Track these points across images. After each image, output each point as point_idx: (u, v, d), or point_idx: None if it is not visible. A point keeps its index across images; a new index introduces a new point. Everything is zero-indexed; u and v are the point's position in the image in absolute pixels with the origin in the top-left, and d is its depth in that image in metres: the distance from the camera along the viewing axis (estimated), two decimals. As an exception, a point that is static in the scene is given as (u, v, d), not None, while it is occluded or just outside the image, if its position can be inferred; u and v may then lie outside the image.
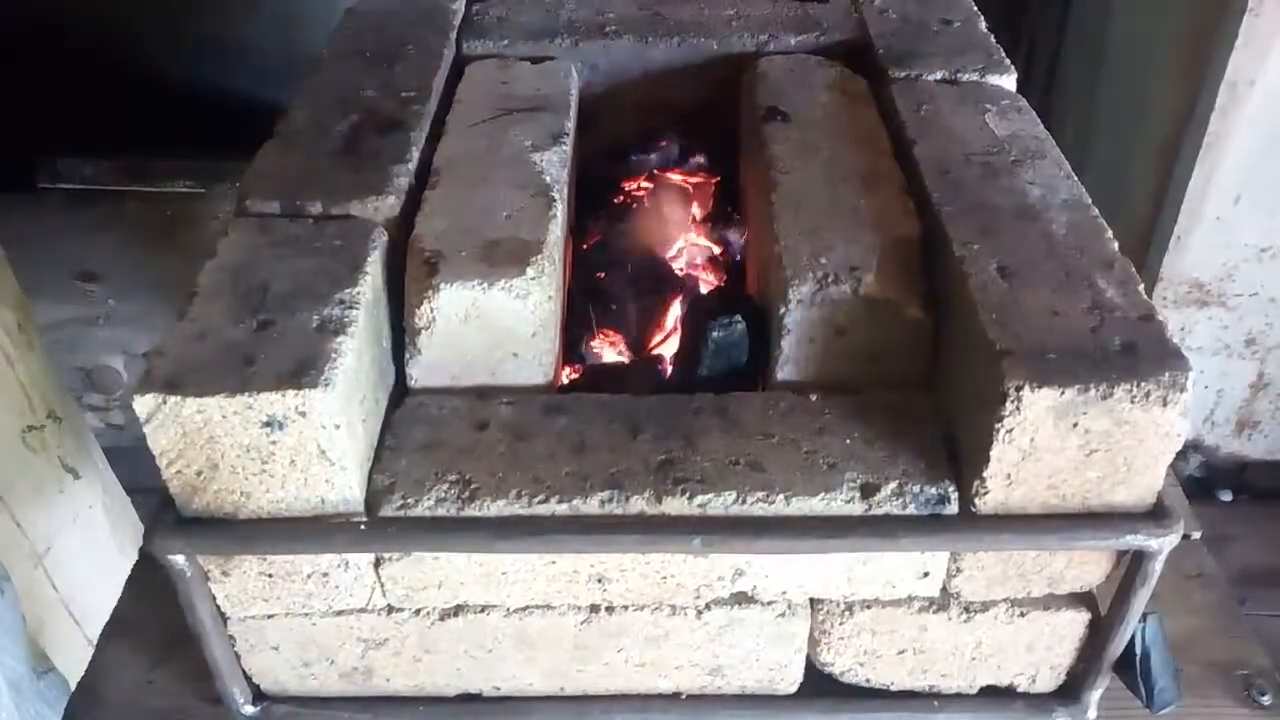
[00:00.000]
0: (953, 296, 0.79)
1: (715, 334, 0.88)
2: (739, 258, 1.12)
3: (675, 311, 1.03)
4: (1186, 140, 1.62)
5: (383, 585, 0.79)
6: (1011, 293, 0.75)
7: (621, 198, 1.17)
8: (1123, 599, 0.78)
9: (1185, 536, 0.77)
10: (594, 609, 0.81)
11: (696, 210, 1.16)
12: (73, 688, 0.94)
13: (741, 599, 0.81)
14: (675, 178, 1.17)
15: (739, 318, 0.88)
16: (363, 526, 0.73)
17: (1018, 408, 0.68)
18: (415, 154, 0.92)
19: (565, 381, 0.97)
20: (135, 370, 1.87)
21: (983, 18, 1.14)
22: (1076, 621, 0.82)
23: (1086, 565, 0.79)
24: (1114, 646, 0.82)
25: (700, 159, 1.18)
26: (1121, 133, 1.82)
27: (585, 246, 1.11)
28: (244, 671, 0.84)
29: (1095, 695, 0.86)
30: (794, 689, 0.87)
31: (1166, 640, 0.90)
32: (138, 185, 1.99)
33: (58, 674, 1.14)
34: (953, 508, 0.74)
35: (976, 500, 0.73)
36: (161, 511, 0.73)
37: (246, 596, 0.79)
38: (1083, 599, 0.82)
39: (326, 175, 0.88)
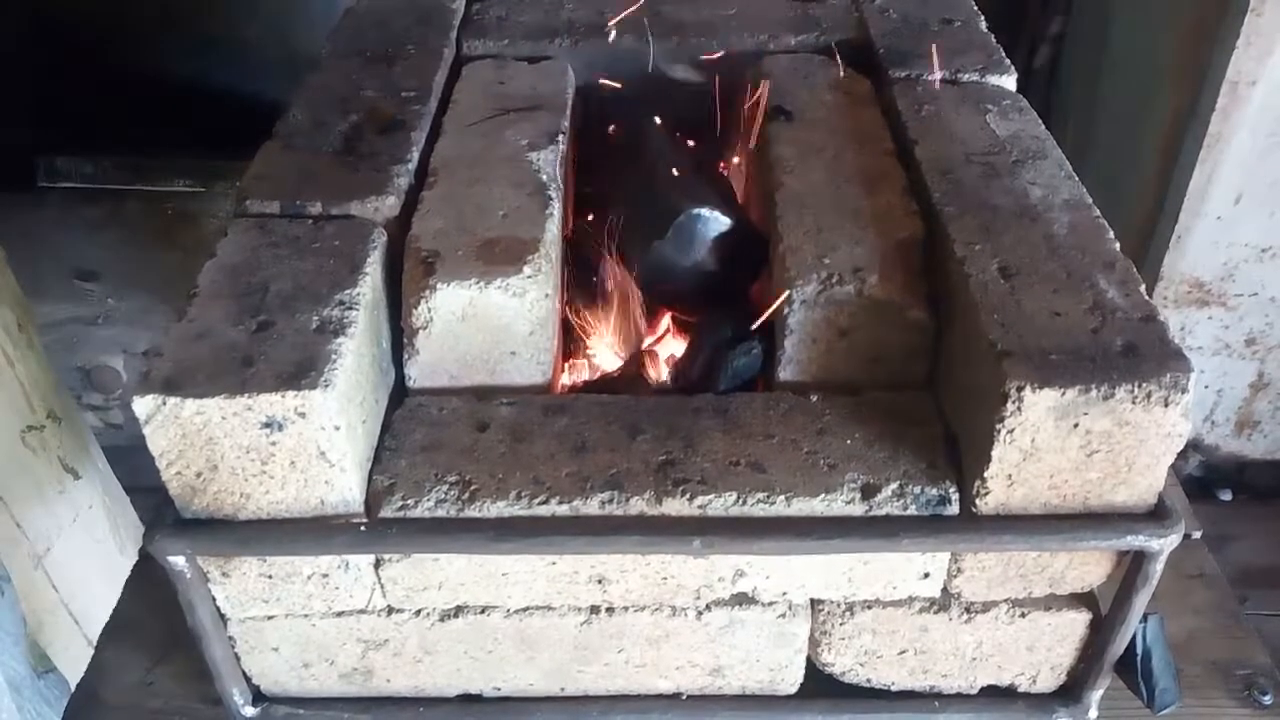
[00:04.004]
0: (954, 297, 0.79)
1: (737, 361, 0.87)
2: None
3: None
4: (1187, 140, 1.62)
5: (383, 586, 0.79)
6: (1013, 293, 0.75)
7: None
8: (1123, 599, 0.78)
9: (1186, 536, 0.77)
10: (594, 610, 0.81)
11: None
12: (73, 688, 0.94)
13: (742, 600, 0.81)
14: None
15: (757, 342, 0.87)
16: (362, 528, 0.73)
17: (1019, 408, 0.68)
18: (415, 154, 0.92)
19: (564, 379, 0.96)
20: (134, 369, 1.87)
21: (983, 17, 1.14)
22: (1077, 622, 0.82)
23: (1087, 566, 0.79)
24: (1115, 647, 0.81)
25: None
26: (1122, 132, 1.82)
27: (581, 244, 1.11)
28: (244, 672, 0.84)
29: (1096, 695, 0.85)
30: (794, 689, 0.87)
31: (1167, 640, 0.90)
32: (138, 184, 1.98)
33: (58, 674, 1.14)
34: (954, 508, 0.74)
35: (977, 501, 0.73)
36: (161, 512, 0.73)
37: (246, 597, 0.79)
38: (1083, 599, 0.82)
39: (326, 175, 0.88)
